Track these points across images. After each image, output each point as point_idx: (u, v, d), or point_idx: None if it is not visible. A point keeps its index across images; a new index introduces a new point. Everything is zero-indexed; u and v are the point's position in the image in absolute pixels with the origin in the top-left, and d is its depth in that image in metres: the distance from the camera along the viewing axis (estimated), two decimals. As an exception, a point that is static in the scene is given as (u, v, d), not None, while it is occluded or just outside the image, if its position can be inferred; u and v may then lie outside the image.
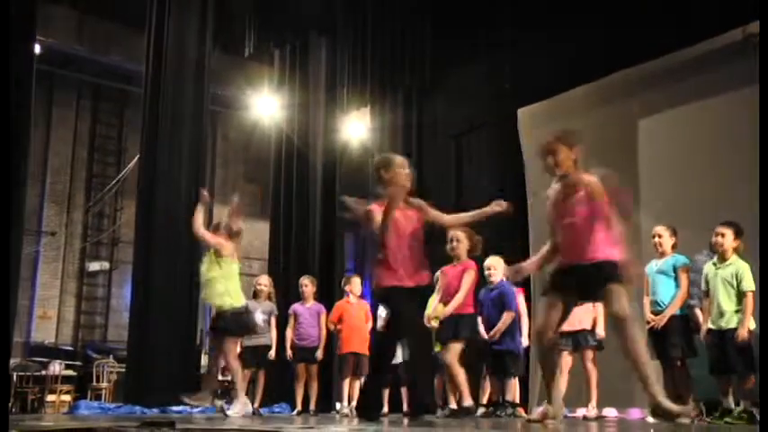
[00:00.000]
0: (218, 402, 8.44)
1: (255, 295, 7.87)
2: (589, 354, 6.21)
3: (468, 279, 5.82)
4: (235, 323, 6.22)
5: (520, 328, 6.73)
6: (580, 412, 6.38)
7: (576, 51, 8.33)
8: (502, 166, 9.48)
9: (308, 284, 8.02)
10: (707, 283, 5.68)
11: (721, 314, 5.54)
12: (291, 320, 7.92)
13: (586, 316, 6.21)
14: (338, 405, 8.24)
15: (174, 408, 7.63)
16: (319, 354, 7.84)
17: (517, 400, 6.71)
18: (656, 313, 5.77)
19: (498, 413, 6.58)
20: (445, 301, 5.82)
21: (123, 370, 9.38)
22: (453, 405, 6.10)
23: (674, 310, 5.75)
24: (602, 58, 8.14)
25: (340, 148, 11.19)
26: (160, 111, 9.11)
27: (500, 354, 6.56)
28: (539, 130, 9.34)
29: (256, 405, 7.66)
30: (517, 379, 6.79)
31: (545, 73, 8.79)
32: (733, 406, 5.44)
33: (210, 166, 12.17)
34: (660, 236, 5.97)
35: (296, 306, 8.02)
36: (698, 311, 5.99)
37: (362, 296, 8.42)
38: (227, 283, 6.23)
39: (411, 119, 10.52)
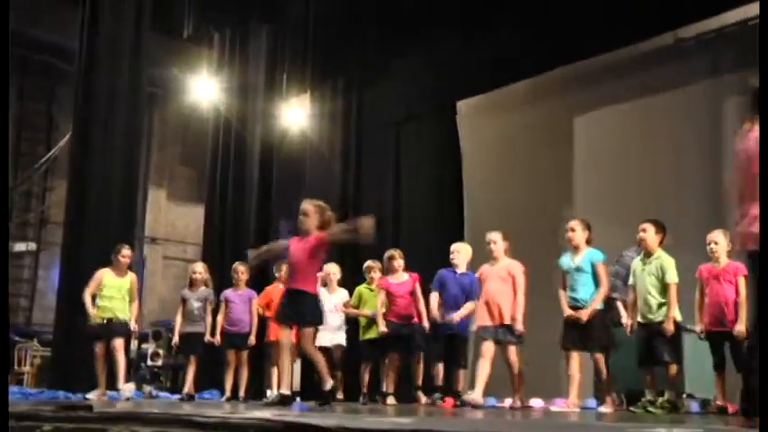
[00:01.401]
0: (147, 388, 8.40)
1: (192, 284, 7.83)
2: (510, 348, 6.16)
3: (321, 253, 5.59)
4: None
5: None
6: (507, 402, 6.47)
7: (516, 46, 8.40)
8: (440, 155, 9.54)
9: (243, 271, 7.98)
10: (634, 277, 5.84)
11: (648, 307, 5.70)
12: (222, 306, 7.88)
13: (508, 310, 6.17)
14: (269, 393, 8.19)
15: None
16: (251, 340, 7.82)
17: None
18: (574, 308, 5.86)
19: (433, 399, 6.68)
20: (293, 276, 5.53)
21: (48, 354, 9.15)
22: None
23: (595, 305, 5.83)
24: (541, 54, 8.24)
25: (279, 134, 11.07)
26: (94, 89, 8.91)
27: (454, 339, 6.73)
28: (478, 122, 9.52)
29: (186, 390, 7.63)
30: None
31: (486, 66, 8.84)
32: (655, 396, 5.60)
33: (146, 148, 11.93)
34: (573, 230, 5.98)
35: (227, 292, 7.98)
36: (620, 305, 6.23)
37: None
38: None
39: (351, 107, 10.52)
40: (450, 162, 9.37)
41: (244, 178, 10.48)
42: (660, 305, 5.67)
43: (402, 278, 7.12)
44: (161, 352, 10.55)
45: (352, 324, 7.83)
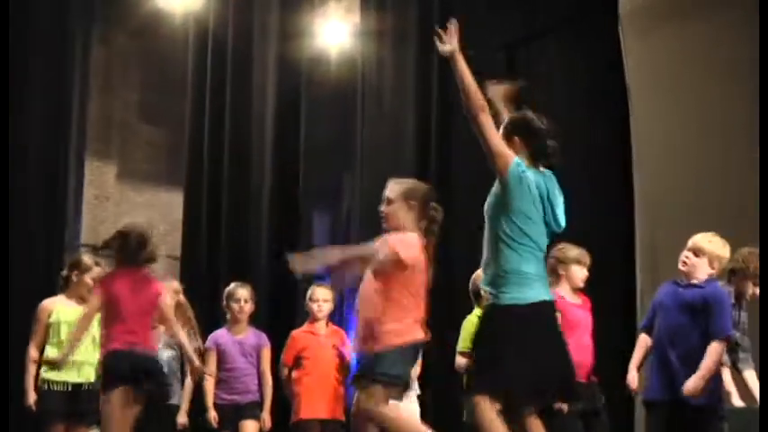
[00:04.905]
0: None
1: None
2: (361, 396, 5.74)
3: None
4: None
5: None
6: None
7: None
8: (589, 89, 9.63)
9: (245, 298, 8.12)
10: None
11: None
12: (212, 359, 7.99)
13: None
14: None
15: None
16: (265, 417, 8.04)
17: None
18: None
19: None
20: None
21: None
22: None
23: None
24: None
25: (307, 64, 11.18)
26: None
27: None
28: (654, 36, 9.68)
29: None
30: None
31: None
32: None
33: (79, 94, 11.77)
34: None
35: (219, 336, 8.13)
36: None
37: (336, 320, 8.65)
38: None
39: (430, 20, 10.41)
40: (607, 100, 9.38)
41: (250, 140, 10.65)
42: None
43: (576, 298, 7.13)
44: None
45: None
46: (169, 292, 7.94)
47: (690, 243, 6.52)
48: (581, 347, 6.78)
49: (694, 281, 6.49)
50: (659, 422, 6.48)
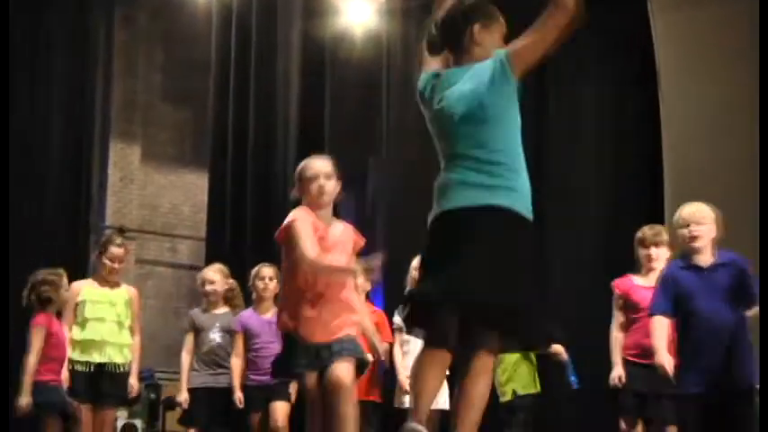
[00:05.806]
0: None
1: (206, 302, 8.17)
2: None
3: None
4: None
5: None
6: None
7: None
8: (617, 72, 9.67)
9: (269, 276, 8.05)
10: None
11: None
12: (239, 341, 7.97)
13: None
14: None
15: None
16: (293, 391, 7.82)
17: None
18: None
19: None
20: None
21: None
22: None
23: None
24: None
25: (332, 43, 11.07)
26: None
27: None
28: (681, 13, 9.54)
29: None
30: None
31: None
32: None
33: (104, 75, 11.78)
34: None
35: (245, 317, 8.05)
36: None
37: (370, 299, 8.50)
38: None
39: None
40: (636, 84, 9.36)
41: (274, 120, 10.58)
42: None
43: (648, 279, 7.02)
44: (139, 426, 10.67)
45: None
46: (218, 275, 8.17)
47: (685, 217, 6.33)
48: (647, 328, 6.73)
49: (707, 256, 6.32)
50: (701, 413, 6.31)
